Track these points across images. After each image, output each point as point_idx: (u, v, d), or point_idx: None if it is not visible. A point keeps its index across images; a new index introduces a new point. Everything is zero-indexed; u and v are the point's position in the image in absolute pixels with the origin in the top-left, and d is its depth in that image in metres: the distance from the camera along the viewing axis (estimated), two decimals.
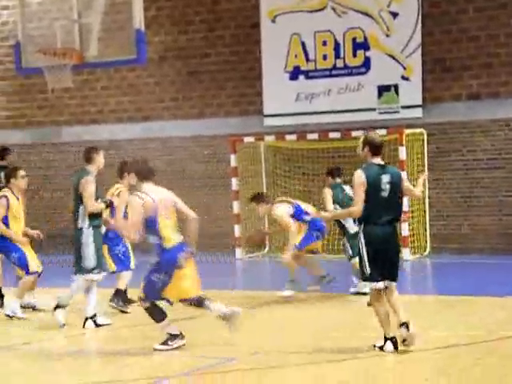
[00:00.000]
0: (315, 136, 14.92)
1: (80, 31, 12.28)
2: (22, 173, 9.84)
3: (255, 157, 15.66)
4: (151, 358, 7.23)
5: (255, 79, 15.84)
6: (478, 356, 6.91)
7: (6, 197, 9.58)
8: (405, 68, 14.64)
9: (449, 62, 14.49)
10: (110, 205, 8.92)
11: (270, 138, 15.37)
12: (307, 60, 15.31)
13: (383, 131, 14.37)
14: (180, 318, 8.95)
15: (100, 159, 8.99)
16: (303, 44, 15.30)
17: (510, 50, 14.05)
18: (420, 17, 14.52)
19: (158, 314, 7.34)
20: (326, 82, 15.16)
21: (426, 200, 14.54)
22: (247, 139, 15.44)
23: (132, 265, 9.64)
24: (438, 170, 14.59)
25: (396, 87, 14.68)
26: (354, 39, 14.99)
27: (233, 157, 15.44)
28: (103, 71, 16.83)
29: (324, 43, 15.18)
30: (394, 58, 14.71)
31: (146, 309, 7.40)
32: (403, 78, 14.65)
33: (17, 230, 9.49)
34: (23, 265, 9.33)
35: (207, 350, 7.46)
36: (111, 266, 9.51)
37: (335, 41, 15.08)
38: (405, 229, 14.08)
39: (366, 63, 14.90)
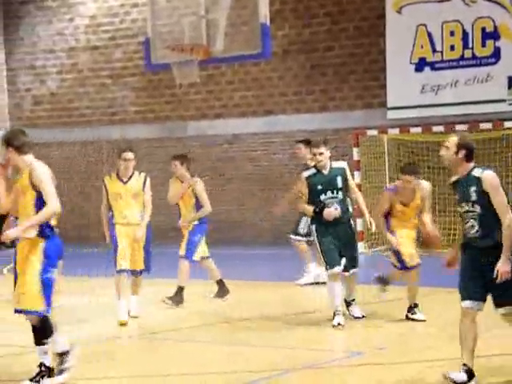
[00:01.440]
0: (441, 128, 14.57)
1: (207, 27, 12.46)
2: (126, 155, 8.74)
3: (378, 150, 15.47)
4: (277, 350, 7.29)
5: (379, 72, 15.64)
6: None
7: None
8: None
9: None
10: None
11: (393, 131, 15.14)
12: (434, 51, 14.97)
13: None
14: (299, 312, 8.98)
15: None
16: (430, 35, 14.97)
17: None
18: None
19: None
20: (452, 73, 14.78)
21: None
22: (370, 132, 15.27)
23: None
24: None
25: None
26: (483, 29, 14.54)
27: (356, 150, 15.32)
28: (228, 66, 17.08)
29: (451, 33, 14.80)
30: None
31: None
32: None
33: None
34: None
35: (335, 344, 7.46)
36: None
37: (463, 31, 14.68)
38: None
39: (496, 53, 14.42)
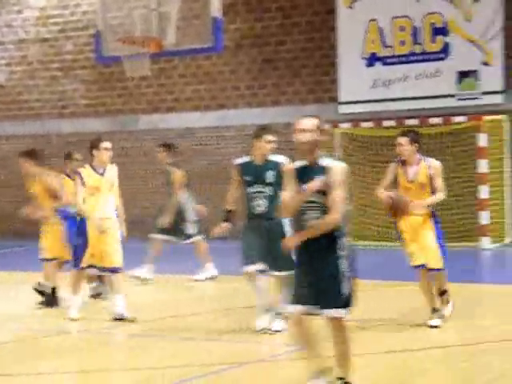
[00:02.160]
0: (391, 123, 14.73)
1: (158, 20, 12.41)
2: (106, 144, 8.51)
3: (330, 144, 15.55)
4: (225, 344, 7.28)
5: (331, 66, 15.73)
6: None
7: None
8: (485, 53, 14.30)
9: None
10: None
11: (345, 126, 15.25)
12: (384, 46, 15.12)
13: (462, 118, 14.11)
14: (246, 305, 8.99)
15: None
16: (380, 30, 15.12)
17: None
18: (502, 1, 14.14)
19: None
20: (403, 68, 14.95)
21: (506, 188, 14.20)
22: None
23: None
24: None
25: (476, 73, 14.36)
26: (432, 24, 14.72)
27: None
28: (180, 59, 17.00)
29: (402, 29, 14.96)
30: (474, 44, 14.38)
31: None
32: (483, 63, 14.31)
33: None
34: None
35: (282, 338, 7.49)
36: None
37: (413, 26, 14.85)
38: (483, 217, 13.79)
39: (445, 49, 14.62)
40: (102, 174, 8.45)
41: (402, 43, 14.99)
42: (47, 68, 18.50)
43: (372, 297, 9.58)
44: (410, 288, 9.84)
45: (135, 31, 12.43)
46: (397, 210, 7.47)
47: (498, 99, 14.24)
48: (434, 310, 7.66)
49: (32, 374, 6.38)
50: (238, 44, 16.66)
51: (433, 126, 14.35)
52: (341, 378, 5.39)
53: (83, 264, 8.34)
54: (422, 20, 14.81)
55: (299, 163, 5.47)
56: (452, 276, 9.75)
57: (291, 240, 5.49)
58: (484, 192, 13.87)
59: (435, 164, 7.62)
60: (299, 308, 5.30)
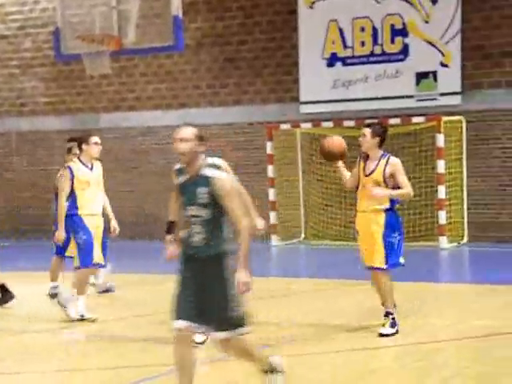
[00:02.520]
0: (352, 123, 14.83)
1: (118, 18, 12.34)
2: (96, 138, 8.43)
3: (291, 144, 15.64)
4: None
5: (292, 66, 15.79)
6: None
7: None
8: (443, 55, 14.48)
9: (488, 49, 14.28)
10: None
11: (306, 126, 15.33)
12: (345, 47, 15.22)
13: (421, 118, 14.27)
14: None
15: None
16: (341, 30, 15.21)
17: None
18: (459, 3, 14.33)
19: None
20: (363, 68, 15.06)
21: (464, 188, 14.40)
22: (283, 126, 15.42)
23: None
24: (476, 157, 14.42)
25: (434, 74, 14.53)
26: (392, 26, 14.86)
27: (269, 144, 15.44)
28: (141, 58, 16.91)
29: (362, 29, 15.07)
30: (432, 45, 14.55)
31: None
32: (442, 64, 14.49)
33: None
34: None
35: None
36: None
37: (373, 27, 14.96)
38: (442, 217, 13.97)
39: (405, 50, 14.77)
40: (90, 169, 8.42)
41: (362, 44, 15.11)
42: (5, 65, 18.26)
43: (332, 295, 9.66)
44: (367, 288, 9.94)
45: (95, 29, 12.34)
46: (329, 152, 7.46)
47: (456, 100, 14.43)
48: (387, 315, 7.27)
49: None
50: (199, 43, 16.64)
51: (392, 126, 14.48)
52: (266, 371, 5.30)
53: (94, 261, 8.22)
54: (382, 21, 14.94)
55: (182, 177, 5.12)
56: (411, 275, 9.88)
57: (244, 279, 4.90)
58: (442, 192, 14.04)
59: (393, 161, 7.22)
60: (184, 324, 4.95)
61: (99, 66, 12.38)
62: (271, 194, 15.46)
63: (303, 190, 15.62)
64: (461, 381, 5.92)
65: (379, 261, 7.21)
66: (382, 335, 7.13)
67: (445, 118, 14.05)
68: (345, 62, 15.25)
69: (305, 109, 15.65)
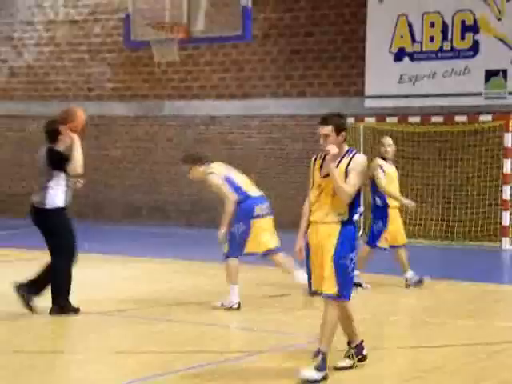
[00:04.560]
0: (417, 119, 14.67)
1: (188, 6, 12.41)
2: None
3: (355, 138, 15.53)
4: (243, 333, 7.31)
5: (358, 59, 15.67)
6: None
7: None
8: None
9: None
10: None
11: (370, 120, 15.21)
12: (413, 41, 15.03)
13: (489, 117, 14.02)
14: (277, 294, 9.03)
15: None
16: (410, 25, 15.02)
17: None
18: None
19: None
20: (431, 64, 14.86)
21: None
22: (347, 120, 15.29)
23: None
24: None
25: (505, 72, 14.24)
26: (463, 21, 14.61)
27: None
28: (207, 47, 17.01)
29: (432, 25, 14.86)
30: (504, 42, 14.26)
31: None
32: None
33: None
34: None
35: (304, 328, 7.51)
36: None
37: (443, 22, 14.74)
38: (505, 218, 13.71)
39: (475, 47, 14.51)
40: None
41: (432, 39, 14.90)
42: (75, 50, 18.58)
43: (390, 293, 9.57)
44: (425, 285, 9.82)
45: (165, 17, 12.44)
46: None
47: None
48: (349, 344, 6.01)
49: None
50: (266, 34, 16.63)
51: (458, 124, 14.27)
52: None
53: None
54: (453, 16, 14.70)
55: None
56: (472, 275, 9.73)
57: None
58: (507, 192, 13.77)
59: (358, 158, 5.81)
60: None
61: (167, 54, 12.49)
62: None
63: None
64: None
65: (328, 286, 5.70)
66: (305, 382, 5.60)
67: None
68: (412, 57, 15.07)
69: (369, 103, 15.52)
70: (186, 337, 7.09)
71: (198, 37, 13.14)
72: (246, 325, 7.63)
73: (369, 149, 15.53)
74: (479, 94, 14.48)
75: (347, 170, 5.72)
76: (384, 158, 9.63)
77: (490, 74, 14.38)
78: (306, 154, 16.37)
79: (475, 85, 14.47)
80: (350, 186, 5.70)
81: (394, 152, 9.75)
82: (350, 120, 15.34)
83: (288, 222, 16.36)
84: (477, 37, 14.51)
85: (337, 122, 5.86)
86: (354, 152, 5.87)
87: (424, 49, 14.96)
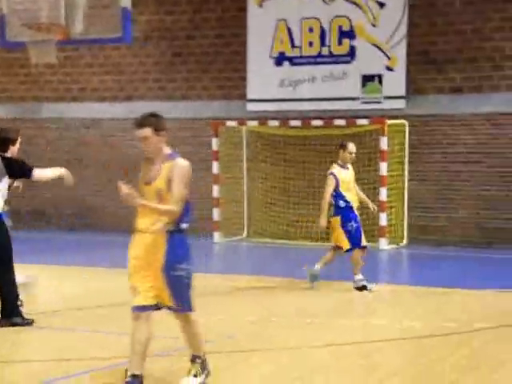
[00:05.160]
0: (298, 123, 14.93)
1: (66, 7, 12.16)
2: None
3: (237, 141, 15.65)
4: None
5: (240, 63, 15.80)
6: (451, 347, 6.99)
7: None
8: (389, 58, 14.68)
9: (433, 55, 14.54)
10: None
11: (252, 123, 15.36)
12: (293, 46, 15.30)
13: (366, 121, 14.45)
14: None
15: None
16: (289, 30, 15.28)
17: (495, 45, 14.12)
18: (406, 8, 14.55)
19: None
20: (310, 69, 15.17)
21: (405, 191, 14.63)
22: (229, 123, 15.43)
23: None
24: (418, 161, 14.67)
25: (380, 77, 14.73)
26: (340, 27, 14.99)
27: (214, 140, 15.43)
28: (87, 48, 16.71)
29: (310, 30, 15.18)
30: (379, 48, 14.74)
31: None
32: (387, 68, 14.69)
33: None
34: None
35: None
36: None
37: (321, 28, 15.08)
38: (382, 219, 14.17)
39: (351, 52, 14.92)
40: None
41: (310, 44, 15.21)
42: None
43: (273, 293, 9.70)
44: (307, 286, 10.03)
45: (42, 17, 12.14)
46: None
47: (400, 104, 14.64)
48: (193, 361, 5.72)
49: None
50: (148, 36, 16.51)
51: (337, 127, 14.63)
52: None
53: None
54: (330, 22, 15.06)
55: None
56: (349, 275, 10.00)
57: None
58: (384, 194, 14.23)
59: (180, 164, 5.47)
60: None
61: (45, 55, 12.18)
62: (215, 190, 15.44)
63: (247, 187, 15.65)
64: (398, 380, 6.03)
65: (167, 298, 5.49)
66: None
67: (389, 122, 14.25)
68: (292, 61, 15.33)
69: (251, 107, 15.68)
70: (66, 344, 6.93)
71: (77, 38, 12.90)
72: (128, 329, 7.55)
73: (251, 152, 15.70)
74: (357, 99, 14.90)
75: (169, 178, 5.36)
76: (341, 165, 9.93)
77: (366, 79, 14.83)
78: (189, 156, 16.34)
79: (353, 89, 14.88)
80: (175, 200, 5.32)
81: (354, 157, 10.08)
82: (233, 123, 15.47)
83: None
84: (353, 42, 14.93)
85: (154, 122, 5.49)
86: (175, 157, 5.48)
87: (303, 53, 15.26)
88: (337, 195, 9.87)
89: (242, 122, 15.43)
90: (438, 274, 11.23)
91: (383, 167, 14.19)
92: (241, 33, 15.74)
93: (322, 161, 15.04)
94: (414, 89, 14.61)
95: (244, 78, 15.74)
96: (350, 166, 10.09)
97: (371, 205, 10.26)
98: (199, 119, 16.16)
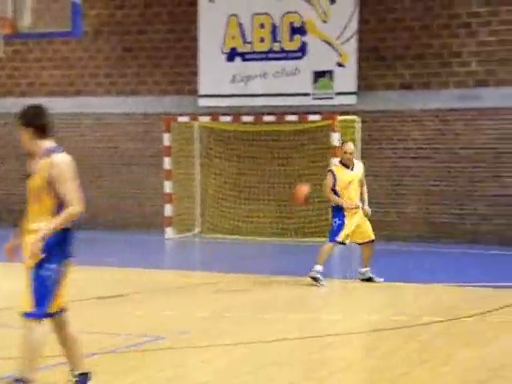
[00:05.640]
0: (250, 119, 14.95)
1: (13, 1, 11.95)
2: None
3: (189, 137, 15.60)
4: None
5: (191, 59, 15.74)
6: (402, 341, 7.08)
7: None
8: (340, 55, 14.78)
9: (383, 51, 14.69)
10: None
11: (204, 119, 15.32)
12: (244, 42, 15.30)
13: (317, 117, 14.53)
14: (109, 295, 8.89)
15: None
16: (241, 25, 15.28)
17: (443, 42, 14.33)
18: (357, 4, 14.66)
19: None
20: (262, 64, 15.19)
21: None
22: (181, 119, 15.36)
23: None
24: (368, 157, 14.79)
25: (331, 73, 14.82)
26: (291, 23, 15.04)
27: (166, 136, 15.35)
28: (36, 43, 16.45)
29: (262, 26, 15.19)
30: (329, 45, 14.83)
31: None
32: (338, 64, 14.79)
33: None
34: None
35: (135, 329, 7.44)
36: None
37: (273, 24, 15.11)
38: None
39: (303, 48, 14.99)
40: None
41: (262, 40, 15.23)
42: None
43: (225, 289, 9.70)
44: (259, 281, 10.05)
45: None
46: None
47: (351, 100, 14.76)
48: (72, 371, 5.26)
49: None
50: (98, 30, 16.33)
51: (289, 123, 14.69)
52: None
53: None
54: (281, 18, 15.10)
55: None
56: (301, 270, 10.04)
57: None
58: None
59: (56, 162, 5.01)
60: None
61: None
62: (167, 186, 15.37)
63: (200, 183, 15.61)
64: (349, 374, 6.09)
65: (28, 304, 4.99)
66: None
67: (340, 117, 14.36)
68: (244, 57, 15.33)
69: (203, 102, 15.64)
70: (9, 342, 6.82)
71: (26, 32, 12.69)
72: (80, 327, 7.46)
73: (203, 148, 15.66)
74: (308, 95, 14.97)
75: (50, 177, 4.95)
76: (344, 164, 10.01)
77: (317, 75, 14.91)
78: (140, 152, 16.25)
79: (304, 85, 14.94)
80: (70, 200, 4.93)
81: (351, 157, 10.06)
82: (185, 119, 15.41)
83: (121, 221, 16.21)
84: (304, 38, 14.99)
85: (22, 117, 5.09)
86: (52, 153, 5.02)
87: (255, 49, 15.27)
88: (334, 193, 9.99)
89: (193, 117, 15.38)
90: (389, 269, 11.35)
91: (335, 162, 14.26)
92: (192, 28, 15.68)
93: (273, 156, 15.10)
94: (364, 85, 14.74)
95: (196, 74, 15.69)
96: (360, 164, 10.19)
97: (366, 207, 10.22)
98: (150, 114, 16.06)
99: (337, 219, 9.90)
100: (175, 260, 13.59)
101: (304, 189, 10.11)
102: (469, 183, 14.21)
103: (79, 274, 10.55)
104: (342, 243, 10.07)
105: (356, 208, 9.93)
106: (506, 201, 13.97)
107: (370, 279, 10.04)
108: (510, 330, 7.48)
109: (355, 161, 10.18)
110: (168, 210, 15.36)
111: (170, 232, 15.27)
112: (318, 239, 14.36)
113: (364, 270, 10.13)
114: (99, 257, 12.41)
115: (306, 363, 6.35)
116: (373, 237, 10.10)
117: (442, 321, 7.79)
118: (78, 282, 9.91)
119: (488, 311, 8.21)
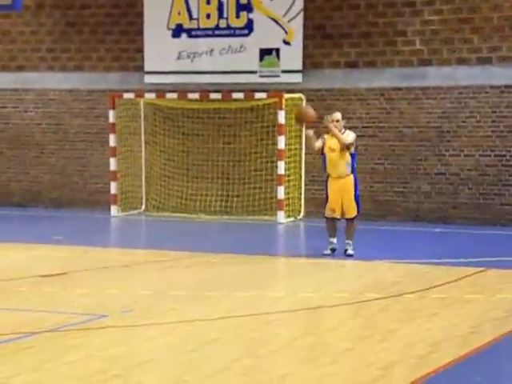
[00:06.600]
0: (196, 96, 14.85)
1: None
2: None
3: (134, 114, 15.44)
4: (19, 314, 7.07)
5: (137, 35, 15.54)
6: (343, 317, 7.17)
7: None
8: (286, 32, 14.76)
9: (329, 29, 14.71)
10: None
11: (150, 96, 15.17)
12: (190, 18, 15.16)
13: (263, 94, 14.51)
14: (53, 273, 8.80)
15: None
16: (186, 1, 15.13)
17: (388, 20, 14.41)
18: None
19: None
20: (208, 41, 15.08)
21: (302, 165, 14.82)
22: (127, 95, 15.18)
23: None
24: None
25: (277, 51, 14.80)
26: (237, 0, 14.95)
27: (111, 113, 15.15)
28: None
29: (208, 2, 15.06)
30: (276, 22, 14.79)
31: None
32: (285, 42, 14.77)
33: None
34: None
35: (78, 307, 7.37)
36: None
37: (219, 1, 14.99)
38: (280, 192, 14.32)
39: (249, 25, 14.92)
40: None
41: (208, 16, 15.11)
42: None
43: (170, 267, 9.69)
44: (205, 259, 10.07)
45: None
46: None
47: (297, 78, 14.77)
48: None
49: None
50: (40, 4, 16.00)
51: (236, 100, 14.64)
52: None
53: None
54: None
55: None
56: (249, 249, 10.07)
57: None
58: (281, 168, 14.35)
59: None
60: None
61: None
62: (112, 163, 15.20)
63: (145, 160, 15.49)
64: (290, 351, 6.14)
65: None
66: None
67: (286, 96, 14.36)
68: (190, 33, 15.19)
69: (149, 79, 15.47)
70: None
71: None
72: (22, 306, 7.36)
73: (149, 125, 15.52)
74: (254, 72, 14.93)
75: None
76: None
77: (264, 53, 14.87)
78: (84, 129, 16.03)
79: (251, 63, 14.89)
80: None
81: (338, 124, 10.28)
82: (130, 96, 15.23)
83: (66, 198, 16.03)
84: (251, 15, 14.91)
85: None
86: None
87: (201, 26, 15.15)
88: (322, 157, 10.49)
89: (139, 94, 15.21)
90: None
91: (281, 141, 14.31)
92: (137, 3, 15.47)
93: (220, 134, 15.06)
94: (310, 63, 14.76)
95: (141, 50, 15.50)
96: (349, 133, 10.37)
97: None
98: (95, 91, 15.83)
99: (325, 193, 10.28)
100: (120, 238, 13.49)
101: (309, 110, 10.39)
102: (412, 161, 14.39)
103: (24, 251, 10.45)
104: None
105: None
106: (449, 179, 14.20)
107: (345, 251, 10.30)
108: (450, 306, 7.63)
109: (347, 131, 10.39)
110: (113, 187, 15.21)
111: (115, 210, 15.13)
112: (263, 217, 14.43)
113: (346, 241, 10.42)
114: (44, 235, 12.26)
115: (248, 341, 6.38)
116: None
117: (384, 297, 7.90)
118: (23, 260, 9.82)
119: (430, 288, 8.36)
